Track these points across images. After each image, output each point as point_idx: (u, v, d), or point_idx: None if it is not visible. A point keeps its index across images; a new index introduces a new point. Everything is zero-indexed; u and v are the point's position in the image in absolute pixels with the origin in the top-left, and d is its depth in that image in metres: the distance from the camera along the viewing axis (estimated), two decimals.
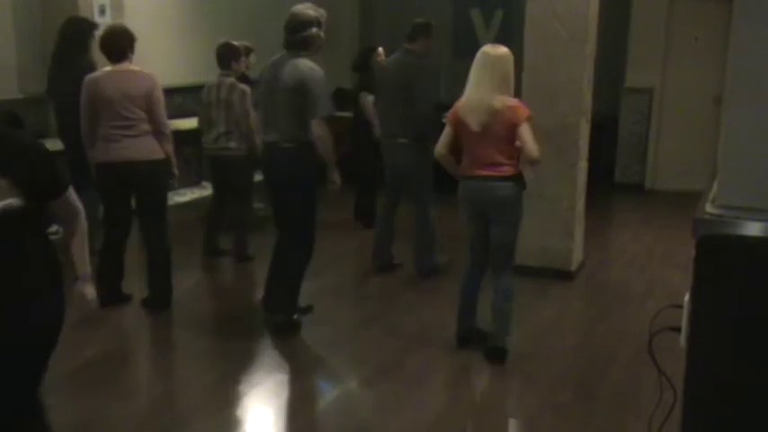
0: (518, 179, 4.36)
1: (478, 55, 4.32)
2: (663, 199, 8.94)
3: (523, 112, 4.26)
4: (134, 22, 7.34)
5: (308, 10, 4.66)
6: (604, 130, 8.66)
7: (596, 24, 5.86)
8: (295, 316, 4.92)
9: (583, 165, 5.99)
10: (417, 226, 6.00)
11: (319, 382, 4.43)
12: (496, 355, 4.47)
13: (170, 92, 8.04)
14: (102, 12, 6.89)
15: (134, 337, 5.09)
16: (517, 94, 6.31)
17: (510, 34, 10.01)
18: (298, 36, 4.60)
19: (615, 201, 9.23)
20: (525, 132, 4.21)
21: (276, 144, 4.67)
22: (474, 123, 4.27)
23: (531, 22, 5.77)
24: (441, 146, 4.46)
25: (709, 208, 2.15)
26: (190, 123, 7.30)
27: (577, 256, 6.13)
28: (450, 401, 4.15)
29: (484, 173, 4.32)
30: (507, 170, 4.31)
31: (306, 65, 4.58)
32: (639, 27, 9.22)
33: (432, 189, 5.91)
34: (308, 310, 5.09)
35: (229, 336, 4.95)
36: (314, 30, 4.63)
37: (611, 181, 9.51)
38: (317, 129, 4.57)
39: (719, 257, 2.07)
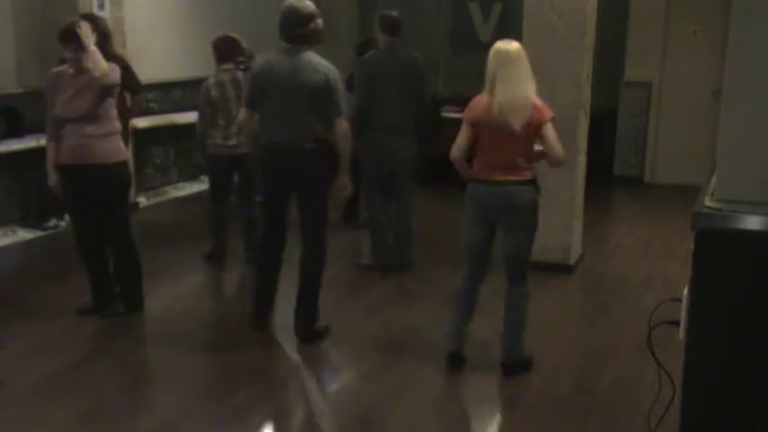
0: (536, 183, 4.15)
1: (501, 53, 4.00)
2: (662, 192, 8.94)
3: (549, 112, 4.07)
4: (133, 15, 7.36)
5: (308, 2, 4.50)
6: (603, 124, 8.65)
7: (595, 18, 5.86)
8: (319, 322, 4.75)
9: (582, 158, 5.99)
10: (407, 220, 6.03)
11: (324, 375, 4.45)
12: (524, 367, 4.28)
13: (169, 86, 8.06)
14: (102, 6, 6.88)
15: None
16: None
17: (508, 28, 9.99)
18: (301, 30, 4.42)
19: (614, 194, 9.22)
20: (551, 133, 4.04)
21: (290, 145, 4.46)
22: (517, 123, 3.99)
23: (529, 15, 5.77)
24: (460, 148, 4.13)
25: (708, 201, 2.16)
26: (189, 118, 7.29)
27: (576, 249, 6.14)
28: (447, 395, 4.16)
29: (503, 177, 4.05)
30: (528, 173, 4.09)
31: (325, 62, 4.46)
32: (638, 20, 9.21)
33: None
34: (327, 330, 4.81)
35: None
36: (320, 22, 4.49)
37: (610, 174, 9.51)
38: (344, 127, 4.51)
39: (718, 251, 2.07)
